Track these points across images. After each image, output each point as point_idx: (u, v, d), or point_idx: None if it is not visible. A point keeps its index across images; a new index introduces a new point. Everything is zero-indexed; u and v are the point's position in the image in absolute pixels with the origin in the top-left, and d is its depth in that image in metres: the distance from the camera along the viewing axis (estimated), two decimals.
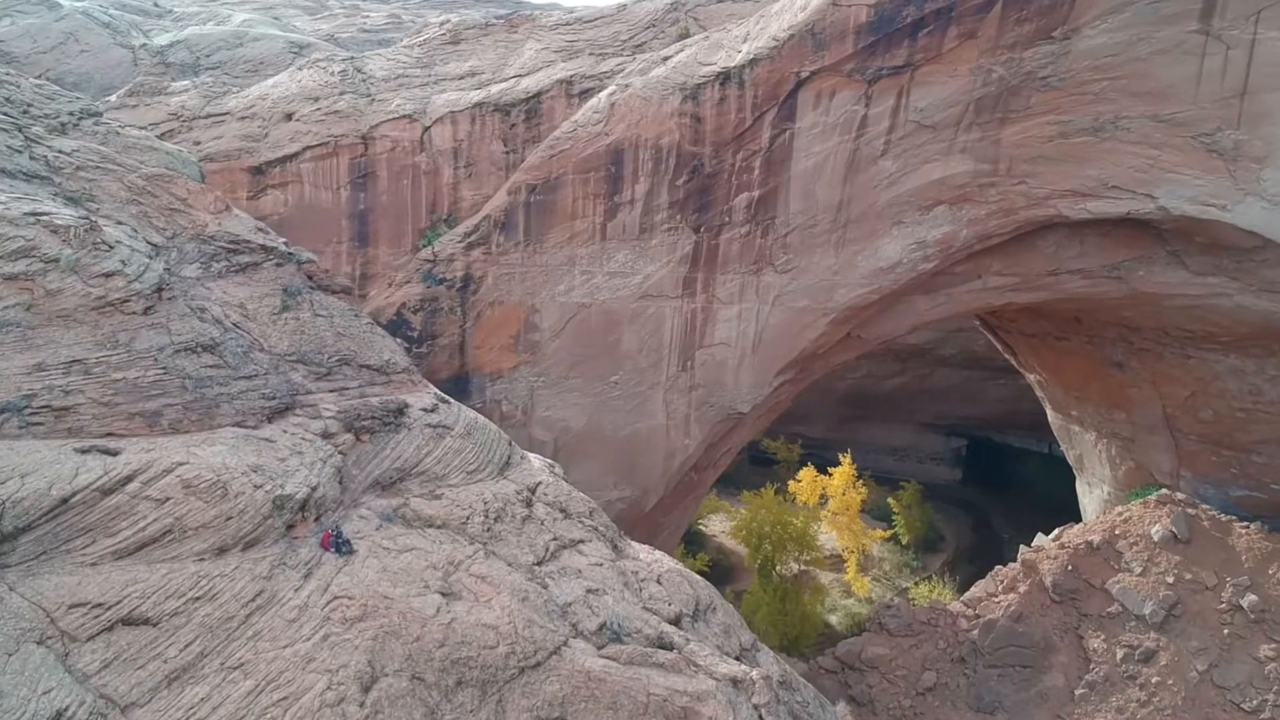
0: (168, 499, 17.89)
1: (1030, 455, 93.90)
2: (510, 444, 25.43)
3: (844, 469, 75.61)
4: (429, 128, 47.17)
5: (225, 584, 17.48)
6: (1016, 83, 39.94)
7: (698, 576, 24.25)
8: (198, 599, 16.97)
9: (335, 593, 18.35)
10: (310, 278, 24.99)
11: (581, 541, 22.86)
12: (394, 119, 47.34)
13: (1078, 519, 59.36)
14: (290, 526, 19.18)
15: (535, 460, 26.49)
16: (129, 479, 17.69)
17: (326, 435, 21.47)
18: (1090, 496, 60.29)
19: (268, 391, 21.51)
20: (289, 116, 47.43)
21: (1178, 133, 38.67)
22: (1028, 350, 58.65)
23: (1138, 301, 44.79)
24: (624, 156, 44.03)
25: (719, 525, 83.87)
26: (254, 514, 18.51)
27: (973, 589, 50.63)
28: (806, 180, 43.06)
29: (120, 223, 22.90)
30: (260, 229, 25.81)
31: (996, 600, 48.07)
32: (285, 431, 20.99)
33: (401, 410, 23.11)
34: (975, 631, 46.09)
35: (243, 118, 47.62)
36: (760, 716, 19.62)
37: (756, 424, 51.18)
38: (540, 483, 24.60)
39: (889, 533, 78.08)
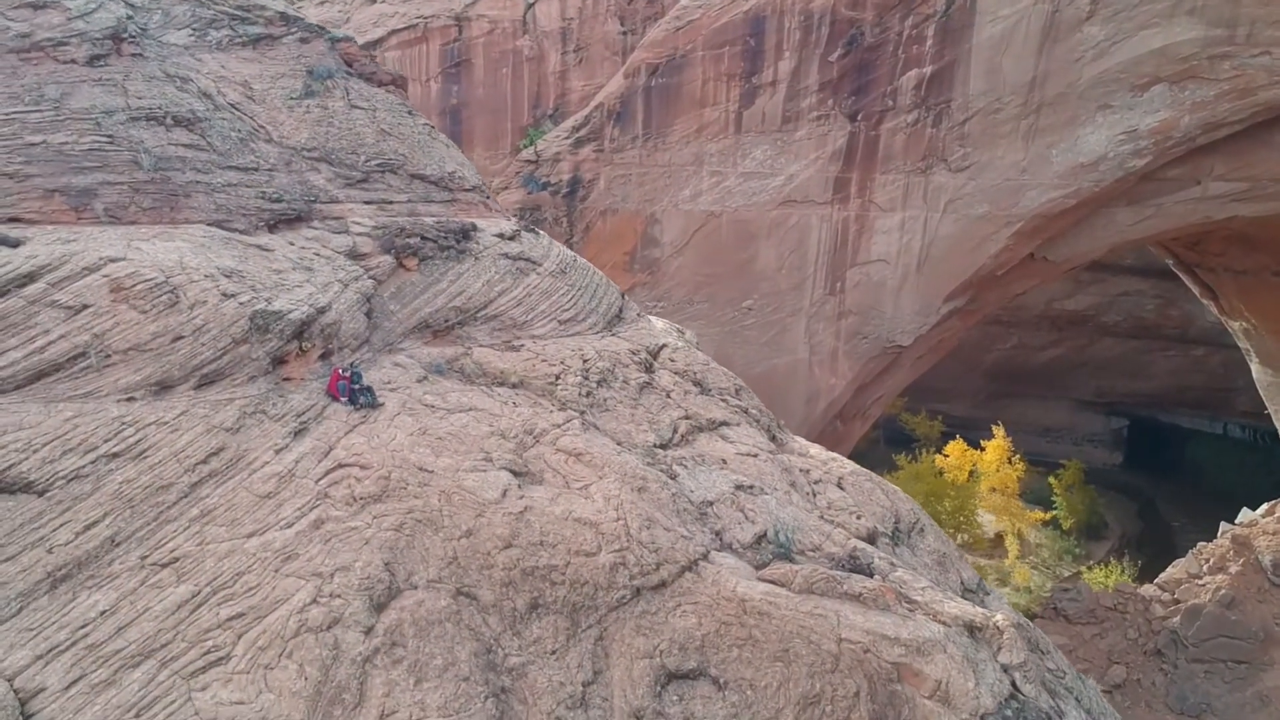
0: (85, 307, 11.75)
1: (1202, 437, 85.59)
2: (624, 295, 18.29)
3: (998, 442, 67.70)
4: (533, 4, 40.72)
5: (163, 436, 11.21)
6: None
7: (895, 487, 16.63)
8: (115, 456, 10.82)
9: (341, 459, 11.68)
10: (349, 63, 18.26)
11: (725, 424, 15.57)
12: None
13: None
14: (279, 362, 12.54)
15: (658, 322, 19.27)
16: (30, 278, 11.66)
17: (355, 255, 14.71)
18: None
19: (271, 191, 14.78)
20: None
21: None
22: (1234, 292, 50.66)
23: None
24: (765, 26, 37.65)
25: None
26: (219, 333, 12.01)
27: (1169, 569, 45.36)
28: (991, 52, 36.65)
29: None
30: None
31: (1201, 583, 42.36)
32: (292, 244, 14.20)
33: (466, 234, 16.17)
34: (1174, 620, 40.34)
35: (321, 1, 41.69)
36: (1014, 684, 12.18)
37: (916, 365, 43.81)
38: (665, 345, 17.40)
39: (1049, 515, 69.27)
